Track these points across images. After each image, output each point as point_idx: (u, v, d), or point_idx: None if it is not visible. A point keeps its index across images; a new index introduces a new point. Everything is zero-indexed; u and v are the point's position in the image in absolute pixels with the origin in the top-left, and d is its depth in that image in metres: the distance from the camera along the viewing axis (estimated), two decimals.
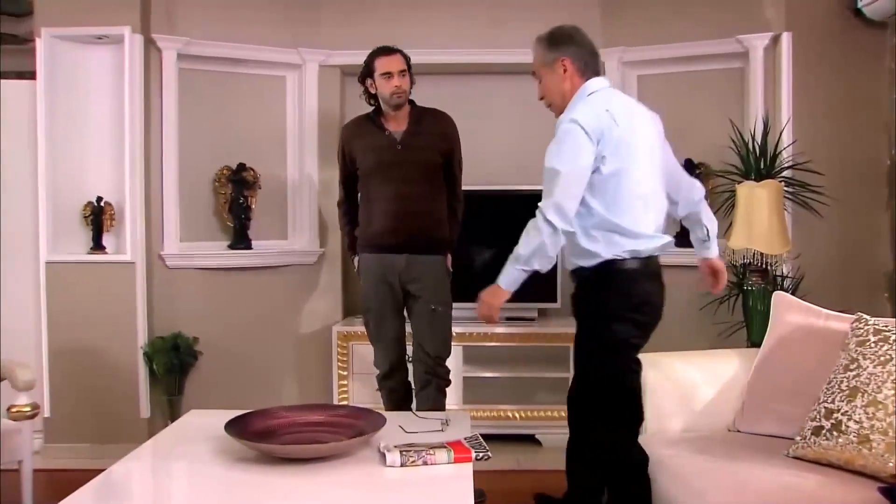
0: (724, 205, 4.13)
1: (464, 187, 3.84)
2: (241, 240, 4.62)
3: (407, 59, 3.63)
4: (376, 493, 2.20)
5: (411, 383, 3.76)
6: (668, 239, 2.87)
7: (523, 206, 4.51)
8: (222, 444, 2.48)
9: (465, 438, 2.48)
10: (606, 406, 2.81)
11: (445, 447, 2.37)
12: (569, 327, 4.42)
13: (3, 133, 4.41)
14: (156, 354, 4.30)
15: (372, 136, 3.64)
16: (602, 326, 2.82)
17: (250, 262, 4.65)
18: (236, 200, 4.60)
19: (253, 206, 4.67)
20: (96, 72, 4.41)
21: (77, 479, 3.71)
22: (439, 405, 3.64)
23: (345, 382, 4.52)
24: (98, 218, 4.35)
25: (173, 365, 4.31)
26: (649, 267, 2.83)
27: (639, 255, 2.77)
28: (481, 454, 2.37)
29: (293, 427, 2.53)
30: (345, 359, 4.51)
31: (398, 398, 3.75)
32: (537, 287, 4.49)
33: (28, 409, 3.21)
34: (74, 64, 4.37)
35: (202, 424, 2.81)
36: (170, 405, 4.38)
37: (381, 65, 3.57)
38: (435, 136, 3.61)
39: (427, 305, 3.61)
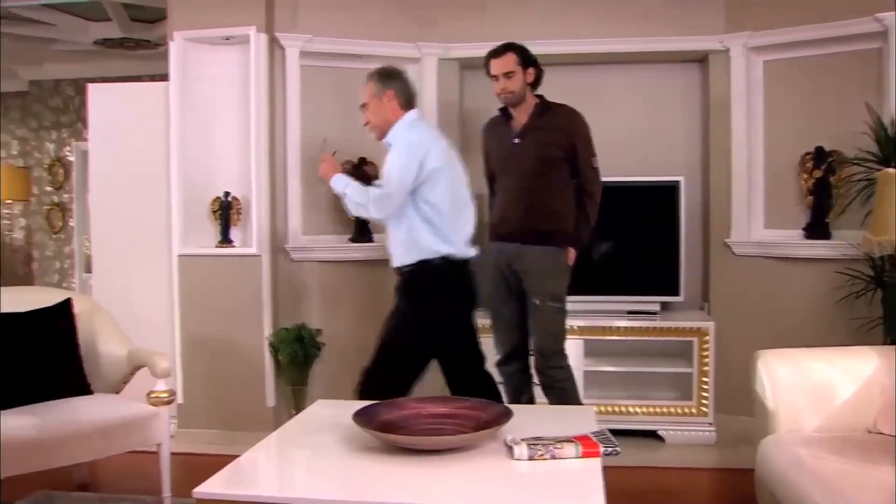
0: (859, 194, 3.94)
1: None
2: (362, 233, 4.70)
3: (521, 55, 3.63)
4: (505, 486, 2.18)
5: (531, 374, 3.79)
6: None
7: (641, 198, 4.48)
8: (349, 433, 2.52)
9: (593, 433, 2.44)
10: None
11: (573, 441, 2.33)
12: (692, 321, 4.33)
13: (138, 132, 4.63)
14: (281, 345, 4.42)
15: (500, 131, 3.77)
16: None
17: (371, 255, 4.69)
18: None
19: None
20: (224, 71, 4.56)
21: (208, 463, 3.86)
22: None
23: None
24: (226, 212, 4.51)
25: (297, 355, 4.41)
26: None
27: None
28: (610, 449, 2.33)
29: (419, 418, 2.54)
30: None
31: (514, 386, 3.79)
32: (659, 280, 4.45)
33: (166, 395, 3.37)
34: (204, 65, 4.54)
35: (329, 414, 2.87)
36: (294, 395, 4.49)
37: (490, 67, 3.67)
38: (554, 131, 3.60)
39: (532, 298, 3.64)
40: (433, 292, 3.35)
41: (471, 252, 3.44)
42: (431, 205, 3.30)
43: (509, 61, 3.62)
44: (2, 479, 2.87)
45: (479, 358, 3.56)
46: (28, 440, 3.01)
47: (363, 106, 3.46)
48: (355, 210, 3.43)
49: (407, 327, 3.38)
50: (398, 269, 3.43)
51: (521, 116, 3.69)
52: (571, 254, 3.67)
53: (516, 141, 3.67)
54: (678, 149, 4.90)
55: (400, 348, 3.38)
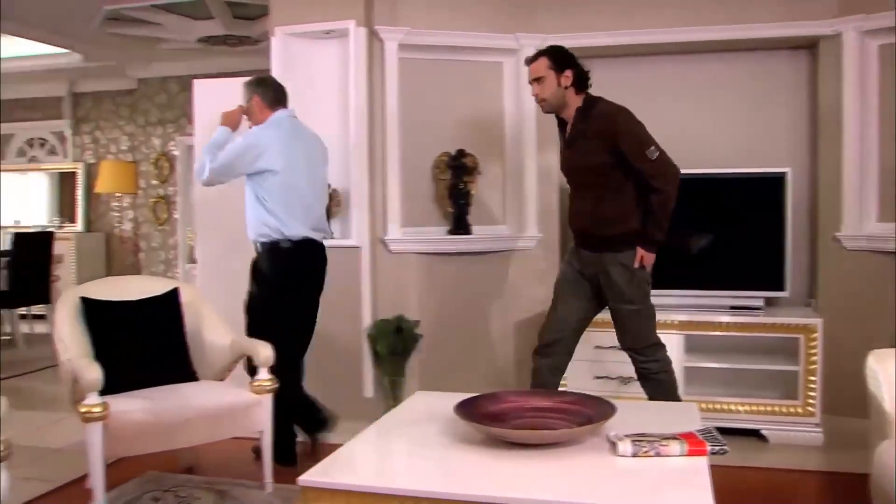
0: None
1: None
2: (460, 225, 4.69)
3: (554, 58, 3.51)
4: (609, 482, 2.15)
5: (560, 378, 3.74)
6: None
7: (745, 189, 4.34)
8: (449, 425, 2.53)
9: (699, 431, 2.38)
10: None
11: (678, 439, 2.28)
12: (798, 318, 4.18)
13: (240, 127, 4.71)
14: (379, 336, 4.46)
15: (560, 139, 3.72)
16: None
17: (469, 247, 4.70)
18: (456, 186, 4.67)
19: (473, 192, 4.72)
20: (324, 65, 4.62)
21: (307, 451, 3.94)
22: (655, 397, 3.57)
23: None
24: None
25: (396, 347, 4.44)
26: None
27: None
28: (717, 448, 2.26)
29: (521, 412, 2.53)
30: None
31: (537, 383, 3.70)
32: (763, 275, 4.31)
33: (268, 383, 3.44)
34: (304, 59, 4.61)
35: (428, 405, 2.89)
36: (392, 386, 4.53)
37: None
38: (592, 139, 3.47)
39: (607, 301, 3.62)
40: (270, 270, 3.81)
41: (303, 237, 3.81)
42: (259, 197, 3.78)
43: (539, 66, 3.53)
44: (115, 460, 2.98)
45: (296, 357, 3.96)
46: (141, 423, 3.12)
47: (244, 112, 3.96)
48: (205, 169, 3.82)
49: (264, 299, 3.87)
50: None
51: (569, 122, 3.59)
52: (640, 254, 3.50)
53: (567, 151, 3.62)
54: (783, 139, 4.73)
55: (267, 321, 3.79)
